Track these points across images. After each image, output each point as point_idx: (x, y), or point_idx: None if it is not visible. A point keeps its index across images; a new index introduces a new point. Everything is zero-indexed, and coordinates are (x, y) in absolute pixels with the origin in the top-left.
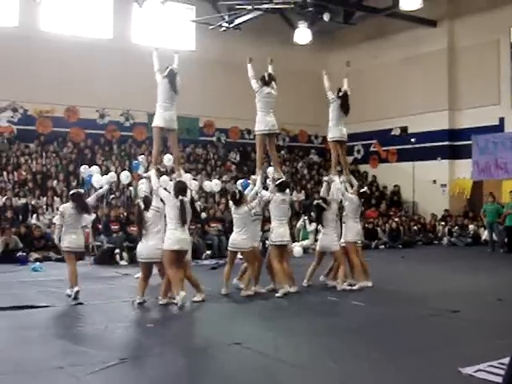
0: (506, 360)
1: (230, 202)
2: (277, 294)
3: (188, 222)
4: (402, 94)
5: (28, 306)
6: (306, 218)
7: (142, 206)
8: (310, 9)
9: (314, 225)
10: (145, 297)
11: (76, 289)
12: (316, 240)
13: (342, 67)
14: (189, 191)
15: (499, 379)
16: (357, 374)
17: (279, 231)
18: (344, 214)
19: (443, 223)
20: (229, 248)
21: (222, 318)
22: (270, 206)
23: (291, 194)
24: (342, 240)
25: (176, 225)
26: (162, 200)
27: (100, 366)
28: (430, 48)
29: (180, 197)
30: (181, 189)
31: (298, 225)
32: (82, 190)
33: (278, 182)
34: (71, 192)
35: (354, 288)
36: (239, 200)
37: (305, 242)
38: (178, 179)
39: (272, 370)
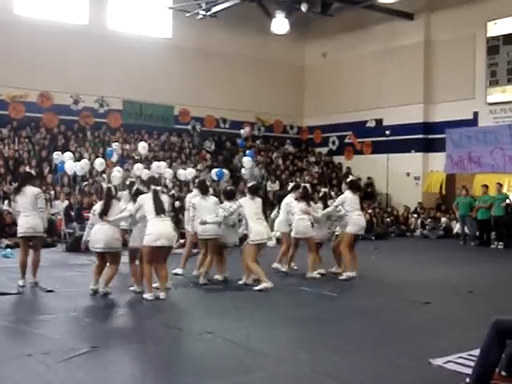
0: (476, 352)
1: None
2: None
3: (167, 213)
4: (378, 86)
5: None
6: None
7: (113, 192)
8: None
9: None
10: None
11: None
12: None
13: (319, 58)
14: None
15: (469, 371)
16: (328, 364)
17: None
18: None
19: (416, 215)
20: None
21: (195, 308)
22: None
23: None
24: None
25: (155, 216)
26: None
27: (71, 353)
28: (406, 41)
29: (152, 187)
30: (152, 180)
31: (272, 215)
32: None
33: (249, 185)
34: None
35: (341, 278)
36: (207, 189)
37: (278, 233)
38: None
39: (243, 358)
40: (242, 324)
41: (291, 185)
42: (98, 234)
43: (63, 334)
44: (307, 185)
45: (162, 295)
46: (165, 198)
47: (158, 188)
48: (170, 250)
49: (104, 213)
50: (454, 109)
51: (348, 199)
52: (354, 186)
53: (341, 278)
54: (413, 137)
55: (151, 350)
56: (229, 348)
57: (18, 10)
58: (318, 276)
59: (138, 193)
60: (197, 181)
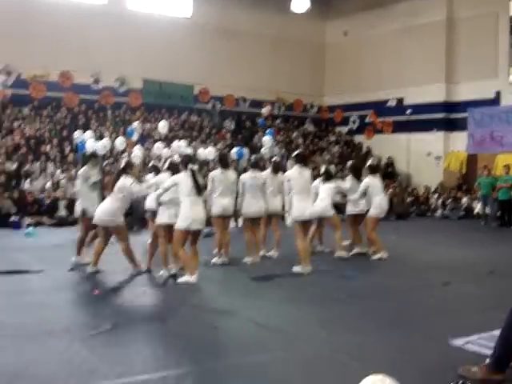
0: (497, 332)
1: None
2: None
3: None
4: (399, 64)
5: (21, 271)
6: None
7: (122, 166)
8: None
9: None
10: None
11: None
12: None
13: (339, 37)
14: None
15: (489, 351)
16: (348, 344)
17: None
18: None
19: (436, 196)
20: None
21: (215, 287)
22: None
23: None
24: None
25: (190, 198)
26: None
27: (93, 331)
28: (428, 19)
29: (189, 165)
30: (188, 159)
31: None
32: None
33: (295, 154)
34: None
35: (374, 257)
36: (227, 163)
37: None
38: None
39: (263, 337)
40: (263, 303)
41: (322, 169)
42: (101, 204)
43: (85, 312)
44: (331, 166)
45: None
46: (200, 179)
47: (195, 167)
48: (201, 231)
49: (110, 189)
50: (476, 88)
51: (371, 184)
52: (375, 171)
53: (373, 257)
54: (434, 116)
55: (172, 328)
56: (249, 327)
57: None
58: (346, 255)
59: (173, 167)
60: (217, 154)
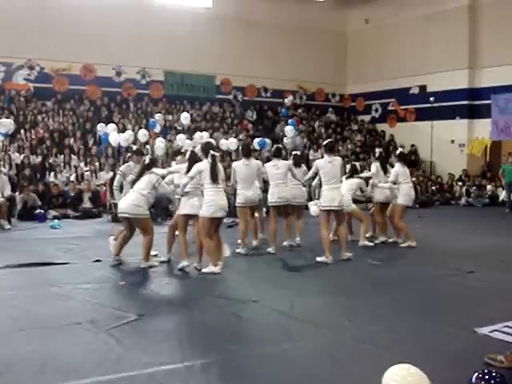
0: None
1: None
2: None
3: (221, 181)
4: (422, 51)
5: (47, 263)
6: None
7: (146, 162)
8: None
9: None
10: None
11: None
12: None
13: (361, 24)
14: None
15: None
16: (370, 333)
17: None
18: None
19: (461, 183)
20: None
21: (240, 277)
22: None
23: (308, 153)
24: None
25: (212, 185)
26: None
27: (118, 322)
28: (450, 5)
29: (211, 152)
30: (210, 146)
31: (313, 183)
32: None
33: (326, 143)
34: None
35: (402, 245)
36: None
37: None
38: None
39: (287, 326)
40: (286, 292)
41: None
42: (123, 200)
43: (110, 303)
44: (356, 163)
45: (211, 269)
46: (220, 166)
47: (217, 154)
48: (222, 219)
49: (133, 183)
50: (499, 74)
51: (401, 172)
52: (405, 159)
53: (402, 245)
54: (457, 103)
55: (197, 318)
56: (273, 316)
57: None
58: (371, 244)
59: (194, 157)
60: (240, 144)
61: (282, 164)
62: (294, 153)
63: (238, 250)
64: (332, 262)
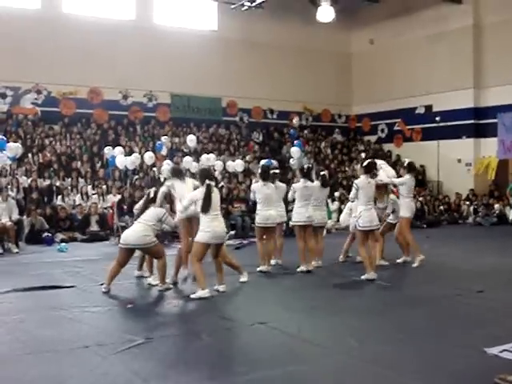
0: None
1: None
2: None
3: (218, 208)
4: (427, 71)
5: (54, 287)
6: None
7: (151, 196)
8: None
9: (336, 204)
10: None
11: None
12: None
13: (366, 45)
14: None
15: None
16: (379, 355)
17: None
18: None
19: (468, 203)
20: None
21: (246, 298)
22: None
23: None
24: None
25: (208, 214)
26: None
27: (126, 345)
28: (455, 25)
29: (207, 181)
30: (206, 175)
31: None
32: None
33: (365, 164)
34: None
35: (414, 265)
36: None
37: (328, 222)
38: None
39: (295, 348)
40: (294, 314)
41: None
42: (128, 231)
43: (118, 326)
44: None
45: (221, 288)
46: (216, 194)
47: (213, 183)
48: (222, 245)
49: (137, 216)
50: (505, 93)
51: (408, 183)
52: (413, 169)
53: (414, 265)
54: (463, 122)
55: (205, 341)
56: (281, 338)
57: (67, 8)
58: (387, 263)
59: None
60: (260, 167)
61: (311, 185)
62: (322, 173)
63: (258, 269)
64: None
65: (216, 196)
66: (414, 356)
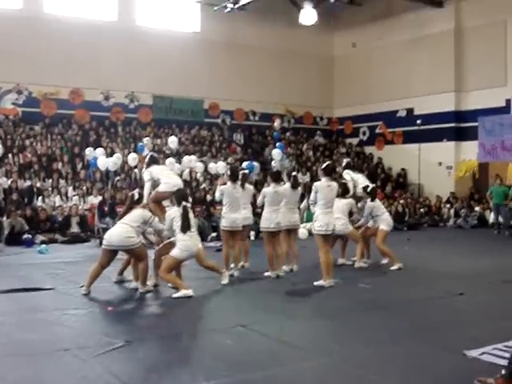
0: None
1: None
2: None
3: (195, 226)
4: (408, 75)
5: (34, 289)
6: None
7: (136, 197)
8: None
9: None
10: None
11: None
12: None
13: (348, 48)
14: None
15: (505, 362)
16: (361, 356)
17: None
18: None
19: (449, 205)
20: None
21: (227, 301)
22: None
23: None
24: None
25: (183, 233)
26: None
27: (106, 348)
28: (436, 29)
29: (183, 203)
30: (182, 196)
31: (301, 206)
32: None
33: (324, 166)
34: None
35: (392, 268)
36: (237, 178)
37: (309, 224)
38: (177, 188)
39: (276, 351)
40: (275, 317)
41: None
42: (111, 231)
43: (98, 329)
44: (348, 182)
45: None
46: (191, 214)
47: (189, 204)
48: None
49: (121, 216)
50: (485, 96)
51: (376, 205)
52: (376, 193)
53: (392, 268)
54: (444, 126)
55: (185, 343)
56: (262, 341)
57: (48, 8)
58: (366, 265)
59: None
60: (228, 168)
61: (279, 189)
62: (293, 174)
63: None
64: (331, 284)
65: (192, 216)
66: (396, 358)
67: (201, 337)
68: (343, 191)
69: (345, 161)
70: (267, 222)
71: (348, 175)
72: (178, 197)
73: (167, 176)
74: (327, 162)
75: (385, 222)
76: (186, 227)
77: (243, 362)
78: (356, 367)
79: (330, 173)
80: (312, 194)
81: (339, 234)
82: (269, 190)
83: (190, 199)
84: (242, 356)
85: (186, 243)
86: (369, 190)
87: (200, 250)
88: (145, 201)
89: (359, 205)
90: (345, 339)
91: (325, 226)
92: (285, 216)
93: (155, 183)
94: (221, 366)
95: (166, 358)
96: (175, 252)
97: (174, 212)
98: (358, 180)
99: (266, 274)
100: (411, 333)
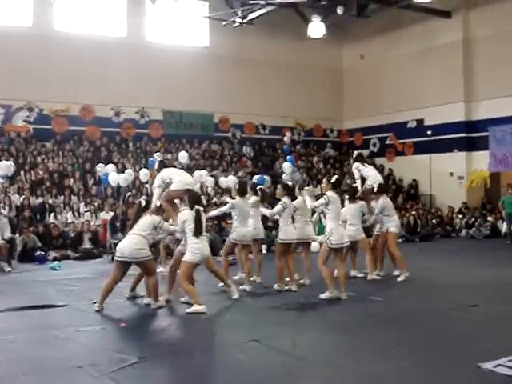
0: None
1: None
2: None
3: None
4: (418, 86)
5: (47, 306)
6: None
7: (143, 204)
8: (324, 2)
9: None
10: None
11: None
12: None
13: (357, 60)
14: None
15: None
16: (374, 371)
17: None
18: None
19: (461, 216)
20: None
21: (239, 315)
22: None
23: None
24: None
25: (195, 237)
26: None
27: (119, 364)
28: (445, 39)
29: (196, 206)
30: (195, 199)
31: (313, 219)
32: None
33: (333, 180)
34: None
35: (399, 280)
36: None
37: (320, 237)
38: (189, 186)
39: (290, 366)
40: (288, 331)
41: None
42: (123, 243)
43: (111, 345)
44: (354, 185)
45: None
46: (204, 218)
47: (201, 208)
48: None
49: (131, 227)
50: (496, 106)
51: (387, 204)
52: (386, 191)
53: (399, 279)
54: (455, 136)
55: (198, 360)
56: (275, 356)
57: (58, 26)
58: (379, 278)
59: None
60: (237, 182)
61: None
62: (306, 188)
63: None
64: (335, 297)
65: (204, 220)
66: (410, 372)
67: (213, 352)
68: (352, 194)
69: (355, 152)
70: (287, 234)
71: (356, 170)
72: (191, 200)
73: (179, 175)
74: (335, 176)
75: (393, 224)
76: (198, 231)
77: (258, 377)
78: (369, 381)
79: (338, 186)
80: (320, 201)
81: (350, 246)
82: (294, 202)
83: (204, 202)
84: (256, 372)
85: (197, 246)
86: (375, 190)
87: (209, 254)
88: (153, 205)
89: (373, 203)
90: (358, 353)
91: (340, 240)
92: (300, 229)
93: (167, 185)
94: (235, 382)
95: (179, 375)
96: (188, 256)
97: (186, 214)
98: (367, 173)
99: (275, 286)
100: (425, 346)
